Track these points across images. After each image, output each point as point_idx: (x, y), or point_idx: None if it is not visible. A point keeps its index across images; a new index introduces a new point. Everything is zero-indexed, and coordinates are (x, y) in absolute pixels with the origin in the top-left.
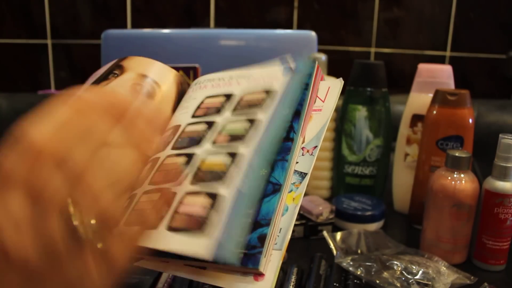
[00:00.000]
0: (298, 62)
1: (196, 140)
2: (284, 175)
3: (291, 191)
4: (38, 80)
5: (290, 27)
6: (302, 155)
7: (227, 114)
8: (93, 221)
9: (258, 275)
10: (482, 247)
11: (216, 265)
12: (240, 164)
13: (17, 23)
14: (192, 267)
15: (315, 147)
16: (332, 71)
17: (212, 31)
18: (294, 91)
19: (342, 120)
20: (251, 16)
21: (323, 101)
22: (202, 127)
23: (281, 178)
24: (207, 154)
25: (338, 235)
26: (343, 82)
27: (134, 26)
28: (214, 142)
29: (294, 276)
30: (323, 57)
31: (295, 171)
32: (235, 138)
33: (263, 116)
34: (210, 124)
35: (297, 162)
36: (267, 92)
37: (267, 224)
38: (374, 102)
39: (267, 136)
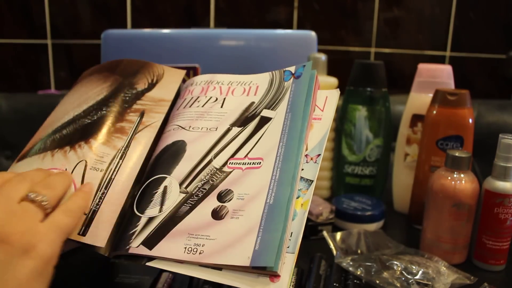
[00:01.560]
0: (298, 67)
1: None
2: (293, 181)
3: (298, 197)
4: (38, 80)
5: (290, 27)
6: (307, 162)
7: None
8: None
9: (274, 276)
10: (482, 247)
11: (232, 266)
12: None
13: (17, 23)
14: (207, 268)
15: (318, 155)
16: (332, 71)
17: (212, 31)
18: (298, 97)
19: (342, 120)
20: (251, 16)
21: (322, 110)
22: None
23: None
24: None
25: (338, 235)
26: (339, 92)
27: (134, 26)
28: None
29: (294, 276)
30: (323, 57)
31: (301, 178)
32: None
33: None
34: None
35: (302, 169)
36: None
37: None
38: (374, 102)
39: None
